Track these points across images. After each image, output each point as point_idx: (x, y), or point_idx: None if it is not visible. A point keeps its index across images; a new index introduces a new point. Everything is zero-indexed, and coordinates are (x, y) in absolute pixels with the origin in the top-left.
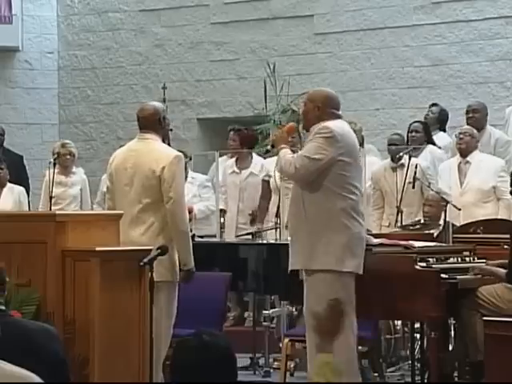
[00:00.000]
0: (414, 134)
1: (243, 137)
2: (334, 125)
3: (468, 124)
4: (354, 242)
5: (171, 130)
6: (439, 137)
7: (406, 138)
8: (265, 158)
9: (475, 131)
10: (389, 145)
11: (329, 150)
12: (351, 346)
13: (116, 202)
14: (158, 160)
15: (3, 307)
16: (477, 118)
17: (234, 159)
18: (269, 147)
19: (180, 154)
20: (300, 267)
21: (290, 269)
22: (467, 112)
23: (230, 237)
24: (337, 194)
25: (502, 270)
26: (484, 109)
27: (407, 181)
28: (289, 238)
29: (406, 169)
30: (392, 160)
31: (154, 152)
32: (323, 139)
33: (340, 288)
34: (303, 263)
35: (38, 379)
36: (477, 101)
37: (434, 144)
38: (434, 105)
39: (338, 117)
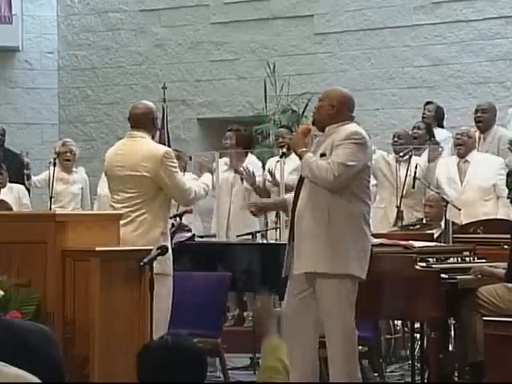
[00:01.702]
0: (415, 130)
1: (239, 136)
2: (361, 130)
3: (476, 123)
4: (368, 248)
5: (163, 130)
6: (438, 133)
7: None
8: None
9: (472, 131)
10: (393, 137)
11: (361, 157)
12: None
13: (112, 199)
14: (146, 159)
15: None
16: (485, 117)
17: (227, 158)
18: (284, 150)
19: (168, 149)
20: (322, 270)
21: (304, 271)
22: (476, 111)
23: (221, 237)
24: (360, 199)
25: (502, 271)
26: (493, 109)
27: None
28: (299, 239)
29: (407, 165)
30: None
31: (143, 151)
32: (356, 145)
33: (352, 293)
34: (324, 267)
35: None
36: (486, 101)
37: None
38: (428, 103)
39: (352, 119)
